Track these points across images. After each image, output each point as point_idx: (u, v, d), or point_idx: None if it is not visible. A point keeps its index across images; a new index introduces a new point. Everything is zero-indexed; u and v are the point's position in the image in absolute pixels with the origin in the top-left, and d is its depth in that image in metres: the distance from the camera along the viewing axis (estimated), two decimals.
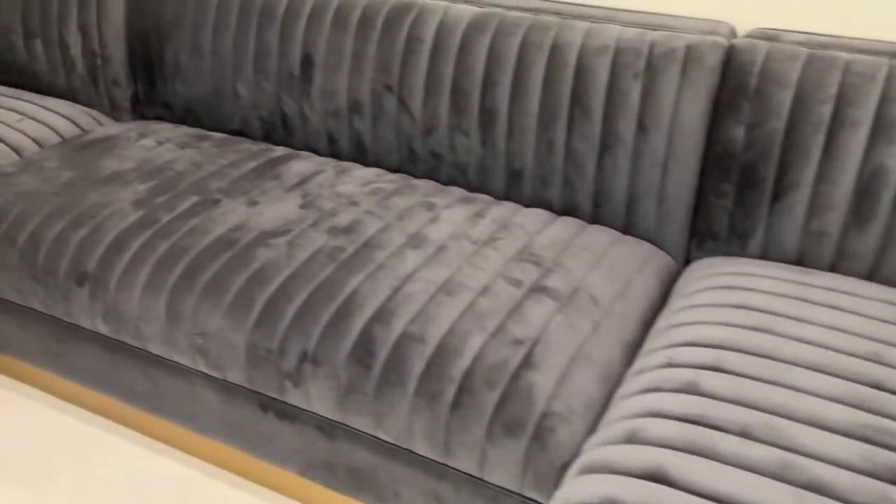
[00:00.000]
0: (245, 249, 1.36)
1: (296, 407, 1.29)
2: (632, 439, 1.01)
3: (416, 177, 1.65)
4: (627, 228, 1.49)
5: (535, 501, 1.12)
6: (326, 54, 1.64)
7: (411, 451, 1.21)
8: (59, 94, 2.03)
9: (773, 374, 1.09)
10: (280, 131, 1.76)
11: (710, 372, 1.10)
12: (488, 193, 1.59)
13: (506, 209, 1.50)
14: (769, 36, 1.38)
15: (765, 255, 1.41)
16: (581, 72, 1.43)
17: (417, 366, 1.16)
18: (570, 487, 0.99)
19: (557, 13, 1.50)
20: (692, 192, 1.43)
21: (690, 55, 1.37)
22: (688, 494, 0.92)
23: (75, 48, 1.94)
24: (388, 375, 1.17)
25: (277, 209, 1.47)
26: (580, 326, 1.22)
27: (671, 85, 1.38)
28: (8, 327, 1.58)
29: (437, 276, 1.29)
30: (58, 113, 1.92)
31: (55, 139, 1.85)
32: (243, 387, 1.32)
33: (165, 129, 1.81)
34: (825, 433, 0.99)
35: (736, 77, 1.36)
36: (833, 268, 1.36)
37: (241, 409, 1.36)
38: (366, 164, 1.70)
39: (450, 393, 1.13)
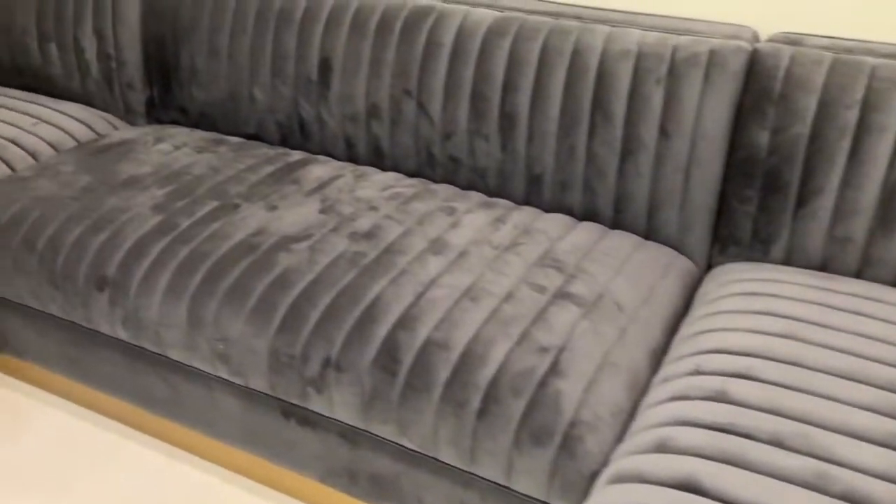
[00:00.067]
0: (266, 254, 1.35)
1: (318, 414, 1.28)
2: (662, 448, 1.00)
3: (435, 181, 1.64)
4: (649, 234, 1.49)
5: None
6: (344, 58, 1.64)
7: (436, 459, 1.20)
8: (73, 97, 2.02)
9: (803, 381, 1.08)
10: (297, 135, 1.76)
11: (738, 380, 1.09)
12: (507, 198, 1.58)
13: (526, 214, 1.49)
14: (792, 40, 1.37)
15: (788, 261, 1.40)
16: (603, 76, 1.42)
17: (443, 373, 1.15)
18: (600, 497, 0.98)
19: (578, 17, 1.49)
20: (715, 197, 1.42)
21: (714, 60, 1.36)
22: None
23: (90, 52, 1.94)
24: (414, 382, 1.16)
25: (297, 214, 1.47)
26: (606, 333, 1.21)
27: (694, 90, 1.37)
28: (26, 333, 1.57)
29: (460, 282, 1.29)
30: (73, 117, 1.92)
31: (70, 143, 1.85)
32: (265, 393, 1.31)
33: (181, 134, 1.81)
34: (859, 442, 0.98)
35: (760, 82, 1.35)
36: (858, 274, 1.35)
37: (261, 415, 1.35)
38: (383, 168, 1.69)
39: (476, 400, 1.12)
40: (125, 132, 1.83)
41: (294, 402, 1.28)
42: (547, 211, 1.55)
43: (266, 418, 1.35)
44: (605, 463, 1.07)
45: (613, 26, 1.46)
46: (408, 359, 1.18)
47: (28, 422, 1.65)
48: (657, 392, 1.14)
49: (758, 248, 1.42)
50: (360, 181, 1.59)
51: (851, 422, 1.01)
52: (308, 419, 1.30)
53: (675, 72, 1.38)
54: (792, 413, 1.02)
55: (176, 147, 1.72)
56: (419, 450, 1.20)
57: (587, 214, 1.52)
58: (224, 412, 1.39)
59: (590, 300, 1.26)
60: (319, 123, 1.71)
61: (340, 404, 1.23)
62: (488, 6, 1.56)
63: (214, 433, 1.44)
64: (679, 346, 1.23)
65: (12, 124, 1.84)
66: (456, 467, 1.19)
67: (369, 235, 1.40)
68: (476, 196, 1.57)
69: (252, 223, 1.44)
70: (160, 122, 1.95)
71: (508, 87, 1.50)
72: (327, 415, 1.26)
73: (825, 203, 1.33)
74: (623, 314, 1.26)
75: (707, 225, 1.45)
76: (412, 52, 1.57)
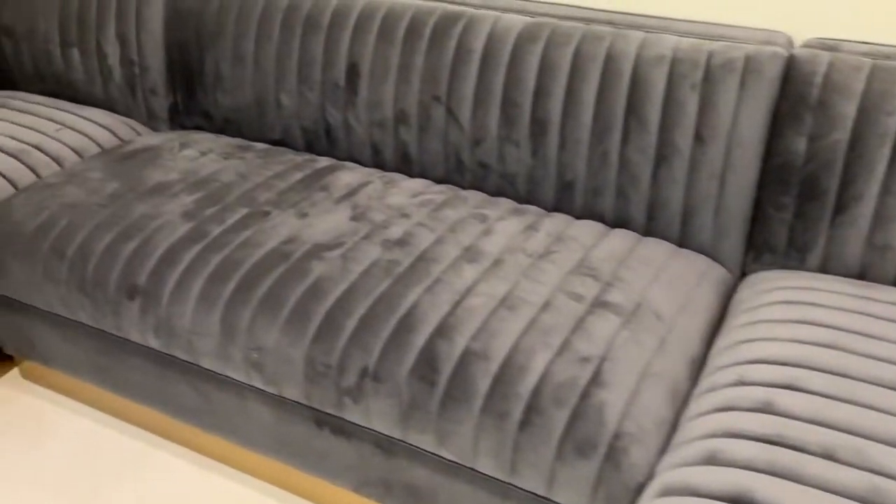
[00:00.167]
0: (299, 262, 1.34)
1: (353, 423, 1.27)
2: (711, 461, 0.99)
3: (463, 188, 1.63)
4: (682, 241, 1.47)
5: None
6: (372, 64, 1.63)
7: (474, 470, 1.19)
8: (95, 103, 2.02)
9: (850, 392, 1.07)
10: (322, 141, 1.75)
11: (784, 390, 1.07)
12: (537, 205, 1.57)
13: (558, 221, 1.48)
14: (829, 46, 1.36)
15: (825, 269, 1.39)
16: (637, 82, 1.41)
17: (483, 383, 1.14)
18: None
19: (610, 23, 1.48)
20: (750, 204, 1.41)
21: (750, 66, 1.35)
22: None
23: (113, 57, 1.93)
24: (453, 393, 1.15)
25: (328, 221, 1.46)
26: (646, 343, 1.20)
27: (730, 96, 1.36)
28: (53, 340, 1.56)
29: (497, 291, 1.28)
30: (96, 122, 1.91)
31: (94, 149, 1.84)
32: (299, 402, 1.30)
33: (207, 140, 1.80)
34: None
35: (797, 88, 1.33)
36: None
37: (294, 424, 1.34)
38: (411, 174, 1.68)
39: (518, 411, 1.11)
40: (149, 138, 1.83)
41: (329, 411, 1.27)
42: (578, 218, 1.53)
43: (299, 427, 1.33)
44: (650, 475, 1.05)
45: (647, 32, 1.44)
46: (447, 369, 1.17)
47: (54, 429, 1.64)
48: (700, 403, 1.12)
49: (794, 256, 1.40)
50: (390, 188, 1.58)
51: None
52: (342, 429, 1.29)
53: (710, 77, 1.37)
54: (841, 425, 1.01)
55: (202, 153, 1.71)
56: (457, 460, 1.19)
57: (619, 221, 1.50)
58: (256, 421, 1.38)
59: (628, 309, 1.25)
60: (346, 129, 1.70)
61: (377, 414, 1.21)
62: (519, 11, 1.55)
63: (245, 442, 1.43)
64: (719, 356, 1.22)
65: (36, 130, 1.83)
66: (495, 478, 1.17)
67: (402, 243, 1.39)
68: (506, 202, 1.56)
69: (283, 231, 1.43)
70: (183, 127, 1.94)
71: (540, 92, 1.48)
72: (363, 424, 1.25)
73: (864, 210, 1.32)
74: (662, 323, 1.25)
75: (741, 232, 1.43)
76: (442, 58, 1.56)
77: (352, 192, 1.56)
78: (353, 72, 1.65)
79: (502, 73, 1.51)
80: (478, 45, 1.54)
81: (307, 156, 1.73)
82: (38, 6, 1.98)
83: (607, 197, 1.49)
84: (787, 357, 1.14)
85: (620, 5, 1.57)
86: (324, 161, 1.70)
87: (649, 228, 1.49)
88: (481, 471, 1.18)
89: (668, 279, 1.35)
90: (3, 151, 1.72)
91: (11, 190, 1.66)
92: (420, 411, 1.17)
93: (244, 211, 1.48)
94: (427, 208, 1.51)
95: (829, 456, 0.97)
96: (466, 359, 1.17)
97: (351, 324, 1.24)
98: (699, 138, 1.39)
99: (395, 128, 1.65)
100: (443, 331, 1.21)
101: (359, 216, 1.48)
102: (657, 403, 1.12)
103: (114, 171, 1.64)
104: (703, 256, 1.45)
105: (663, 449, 1.09)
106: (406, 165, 1.68)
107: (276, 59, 1.72)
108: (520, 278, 1.31)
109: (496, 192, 1.60)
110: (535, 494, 1.15)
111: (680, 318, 1.28)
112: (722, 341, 1.27)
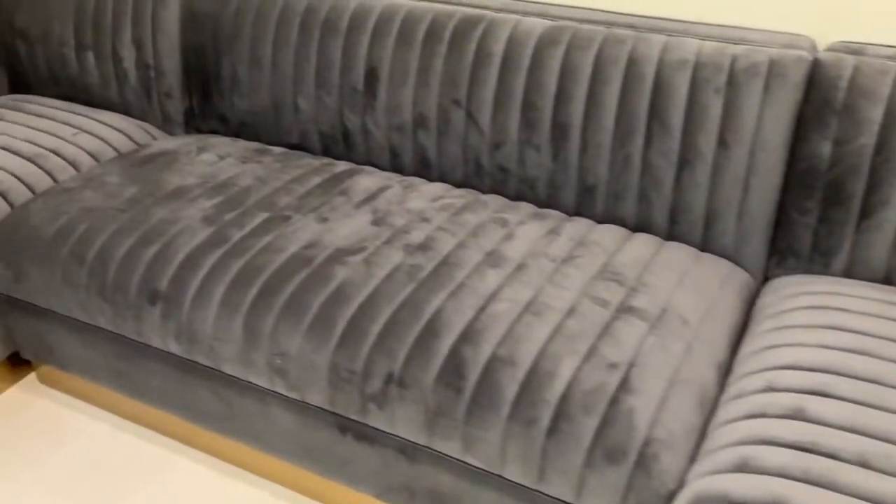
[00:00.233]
0: (322, 267, 1.34)
1: (377, 429, 1.26)
2: (744, 468, 0.98)
3: (482, 192, 1.63)
4: (704, 245, 1.47)
5: None
6: (391, 68, 1.62)
7: (500, 476, 1.18)
8: (110, 107, 2.01)
9: (881, 399, 1.06)
10: (340, 145, 1.74)
11: (815, 397, 1.07)
12: (558, 209, 1.56)
13: (580, 225, 1.48)
14: (853, 50, 1.35)
15: (849, 274, 1.38)
16: (660, 86, 1.41)
17: (510, 389, 1.13)
18: None
19: (631, 26, 1.48)
20: (773, 208, 1.40)
21: (774, 70, 1.34)
22: None
23: (129, 61, 1.92)
24: (480, 399, 1.14)
25: (349, 226, 1.45)
26: (673, 348, 1.19)
27: (754, 100, 1.35)
28: (72, 345, 1.56)
29: (521, 296, 1.27)
30: (111, 126, 1.91)
31: (110, 153, 1.83)
32: (322, 408, 1.30)
33: (223, 144, 1.79)
34: None
35: (822, 92, 1.33)
36: None
37: (317, 430, 1.33)
38: (429, 178, 1.67)
39: (546, 418, 1.10)
40: (165, 142, 1.82)
41: (352, 417, 1.26)
42: (599, 222, 1.53)
43: (322, 433, 1.33)
44: (681, 482, 1.04)
45: (668, 35, 1.44)
46: (473, 375, 1.16)
47: (71, 433, 1.63)
48: (728, 409, 1.12)
49: (818, 261, 1.40)
50: (409, 192, 1.57)
51: None
52: (366, 434, 1.28)
53: (734, 81, 1.36)
54: (875, 432, 1.00)
55: (220, 157, 1.71)
56: (484, 467, 1.18)
57: (641, 225, 1.50)
58: (278, 427, 1.37)
59: (654, 314, 1.24)
60: (364, 133, 1.70)
61: (402, 420, 1.21)
62: (539, 15, 1.55)
63: (266, 448, 1.42)
64: (745, 362, 1.21)
65: (52, 134, 1.82)
66: (522, 485, 1.17)
67: (424, 248, 1.38)
68: (526, 207, 1.55)
69: (304, 235, 1.42)
70: (199, 131, 1.94)
71: (561, 96, 1.48)
72: (387, 430, 1.25)
73: (891, 215, 1.31)
74: (688, 328, 1.24)
75: (764, 237, 1.43)
76: (461, 62, 1.56)
77: (371, 197, 1.55)
78: (371, 75, 1.64)
79: (523, 76, 1.51)
80: (498, 48, 1.53)
81: (325, 160, 1.72)
82: (53, 9, 1.98)
83: (629, 201, 1.48)
84: (816, 363, 1.13)
85: (639, 9, 1.56)
86: (342, 165, 1.70)
87: (671, 232, 1.48)
88: (508, 477, 1.17)
89: (693, 284, 1.34)
90: (20, 155, 1.71)
91: (29, 194, 1.65)
92: (446, 418, 1.16)
93: (264, 215, 1.48)
94: (447, 213, 1.50)
95: (863, 463, 0.96)
96: (493, 365, 1.16)
97: (375, 329, 1.23)
98: (723, 142, 1.38)
99: (414, 132, 1.64)
100: (468, 337, 1.20)
101: (379, 221, 1.47)
102: (686, 410, 1.11)
103: (131, 176, 1.64)
104: (725, 261, 1.44)
105: (693, 456, 1.08)
106: (425, 169, 1.67)
107: (293, 62, 1.71)
108: (544, 283, 1.30)
109: (516, 197, 1.60)
110: (564, 501, 1.14)
111: (705, 323, 1.27)
112: (747, 347, 1.26)
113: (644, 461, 1.05)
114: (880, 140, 1.29)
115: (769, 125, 1.35)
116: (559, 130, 1.49)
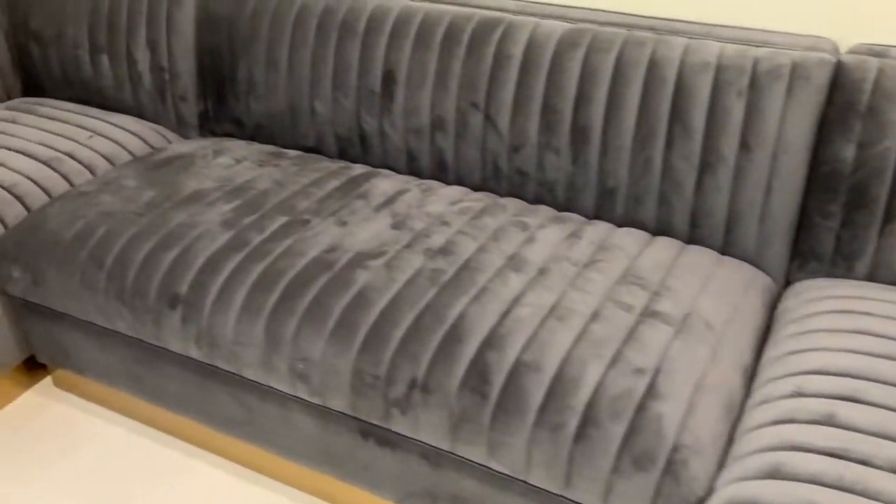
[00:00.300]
0: (343, 272, 1.33)
1: (399, 435, 1.26)
2: (776, 474, 0.97)
3: (500, 195, 1.62)
4: (725, 249, 1.46)
5: None
6: (409, 70, 1.61)
7: (525, 482, 1.17)
8: (124, 109, 2.01)
9: None
10: (356, 148, 1.74)
11: (845, 402, 1.06)
12: (577, 212, 1.56)
13: (601, 229, 1.47)
14: (877, 52, 1.34)
15: (872, 278, 1.37)
16: (681, 89, 1.40)
17: (536, 395, 1.13)
18: None
19: (652, 28, 1.47)
20: (795, 211, 1.39)
21: (797, 72, 1.34)
22: None
23: (143, 63, 1.92)
24: (506, 405, 1.13)
25: (369, 230, 1.44)
26: (699, 353, 1.18)
27: (776, 103, 1.35)
28: (89, 349, 1.55)
29: (544, 300, 1.26)
30: (126, 129, 1.90)
31: (125, 156, 1.83)
32: (343, 413, 1.29)
33: (239, 147, 1.79)
34: None
35: (845, 95, 1.32)
36: None
37: (338, 435, 1.32)
38: (447, 181, 1.67)
39: (573, 424, 1.10)
40: (181, 145, 1.82)
41: (375, 422, 1.26)
42: (619, 225, 1.52)
43: (343, 438, 1.32)
44: (710, 489, 1.04)
45: (689, 38, 1.43)
46: (498, 380, 1.15)
47: (87, 437, 1.63)
48: (756, 415, 1.11)
49: (840, 265, 1.39)
50: (428, 195, 1.57)
51: None
52: (388, 439, 1.28)
53: (756, 84, 1.35)
54: None
55: (237, 161, 1.70)
56: (508, 472, 1.17)
57: (661, 229, 1.49)
58: (299, 432, 1.36)
59: (678, 319, 1.24)
60: (381, 136, 1.69)
61: (426, 425, 1.20)
62: (558, 17, 1.54)
63: (286, 452, 1.42)
64: (771, 367, 1.20)
65: (67, 137, 1.82)
66: (547, 491, 1.16)
67: (445, 252, 1.38)
68: (546, 210, 1.55)
69: (324, 239, 1.41)
70: (213, 134, 1.93)
71: (581, 99, 1.47)
72: (410, 436, 1.24)
73: None
74: (713, 333, 1.23)
75: (786, 240, 1.42)
76: (480, 65, 1.55)
77: (390, 200, 1.55)
78: (389, 78, 1.64)
79: (542, 79, 1.50)
80: (517, 51, 1.52)
81: (342, 163, 1.72)
82: (67, 11, 1.97)
83: (649, 204, 1.48)
84: (844, 368, 1.12)
85: (659, 11, 1.56)
86: (359, 168, 1.69)
87: (692, 236, 1.47)
88: (533, 483, 1.16)
89: (716, 288, 1.33)
90: (35, 159, 1.71)
91: (45, 198, 1.65)
92: (471, 423, 1.16)
93: (283, 219, 1.47)
94: (467, 216, 1.49)
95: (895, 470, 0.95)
96: (518, 370, 1.15)
97: (398, 334, 1.23)
98: (745, 145, 1.37)
99: (432, 135, 1.63)
100: (492, 342, 1.19)
101: (399, 224, 1.46)
102: (713, 415, 1.11)
103: (148, 179, 1.63)
104: (746, 264, 1.44)
105: (721, 462, 1.08)
106: (442, 173, 1.67)
107: (310, 65, 1.70)
108: (567, 288, 1.29)
109: (534, 200, 1.59)
110: None
111: (730, 327, 1.26)
112: (772, 351, 1.25)
113: (673, 467, 1.04)
114: None
115: (792, 128, 1.35)
116: (579, 133, 1.49)
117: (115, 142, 1.85)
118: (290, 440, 1.39)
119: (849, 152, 1.33)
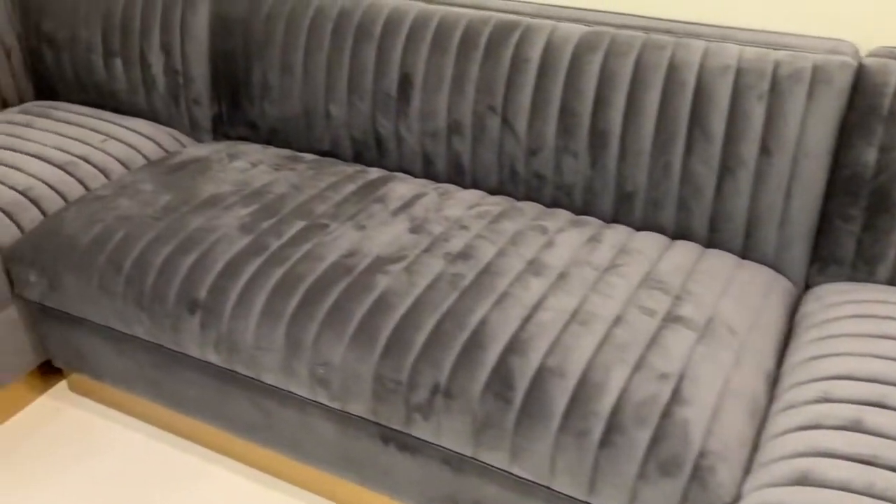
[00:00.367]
0: (363, 276, 1.33)
1: (421, 440, 1.25)
2: (804, 481, 0.97)
3: (517, 198, 1.62)
4: (745, 252, 1.45)
5: None
6: (426, 74, 1.61)
7: (548, 488, 1.17)
8: (137, 113, 2.00)
9: None
10: (372, 152, 1.73)
11: (873, 408, 1.05)
12: (594, 216, 1.55)
13: (620, 233, 1.46)
14: None
15: (894, 282, 1.37)
16: (701, 92, 1.39)
17: (560, 401, 1.12)
18: None
19: (670, 32, 1.46)
20: (816, 215, 1.39)
21: (818, 76, 1.33)
22: None
23: (157, 66, 1.92)
24: (530, 410, 1.13)
25: (387, 234, 1.44)
26: (722, 358, 1.18)
27: (797, 106, 1.34)
28: (106, 354, 1.55)
29: (566, 305, 1.26)
30: (139, 133, 1.90)
31: (140, 160, 1.83)
32: (364, 418, 1.29)
33: (254, 151, 1.78)
34: None
35: (867, 98, 1.31)
36: None
37: (358, 440, 1.32)
38: (463, 185, 1.66)
39: (598, 430, 1.09)
40: (196, 149, 1.81)
41: (396, 427, 1.25)
42: (637, 229, 1.52)
43: (363, 443, 1.32)
44: (737, 495, 1.03)
45: (708, 41, 1.42)
46: (522, 385, 1.15)
47: (104, 442, 1.63)
48: (781, 420, 1.10)
49: (862, 268, 1.38)
50: (445, 199, 1.56)
51: None
52: (408, 445, 1.27)
53: (777, 88, 1.35)
54: None
55: (252, 164, 1.70)
56: (531, 478, 1.17)
57: (680, 233, 1.49)
58: (318, 436, 1.36)
59: (701, 323, 1.23)
60: (397, 140, 1.69)
61: (448, 431, 1.20)
62: (575, 21, 1.54)
63: (305, 457, 1.41)
64: (794, 372, 1.20)
65: (82, 141, 1.82)
66: (571, 497, 1.15)
67: (464, 256, 1.37)
68: (563, 214, 1.54)
69: (343, 244, 1.41)
70: (227, 137, 1.93)
71: (600, 103, 1.47)
72: (432, 441, 1.23)
73: None
74: (735, 338, 1.23)
75: (806, 244, 1.41)
76: (497, 68, 1.55)
77: (408, 204, 1.54)
78: (405, 82, 1.63)
79: (560, 82, 1.50)
80: (534, 54, 1.52)
81: (357, 167, 1.71)
82: (80, 15, 1.97)
83: (668, 208, 1.47)
84: (870, 373, 1.11)
85: (677, 13, 1.55)
86: (375, 172, 1.69)
87: (711, 240, 1.47)
88: (556, 489, 1.16)
89: (737, 292, 1.33)
90: (51, 163, 1.71)
91: (61, 202, 1.65)
92: (494, 428, 1.15)
93: (302, 223, 1.47)
94: (485, 220, 1.49)
95: None
96: (542, 375, 1.15)
97: (420, 339, 1.22)
98: (765, 150, 1.37)
99: (448, 138, 1.63)
100: (515, 347, 1.19)
101: (417, 228, 1.46)
102: (738, 421, 1.10)
103: (164, 183, 1.63)
104: (767, 268, 1.43)
105: (747, 468, 1.07)
106: (458, 176, 1.66)
107: (326, 68, 1.70)
108: (588, 292, 1.29)
109: (551, 203, 1.59)
110: None
111: (752, 332, 1.26)
112: (794, 356, 1.25)
113: (700, 473, 1.04)
114: None
115: (813, 132, 1.34)
116: (598, 137, 1.48)
117: (130, 145, 1.85)
118: (310, 445, 1.38)
119: (870, 156, 1.32)
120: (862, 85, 1.32)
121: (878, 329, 1.22)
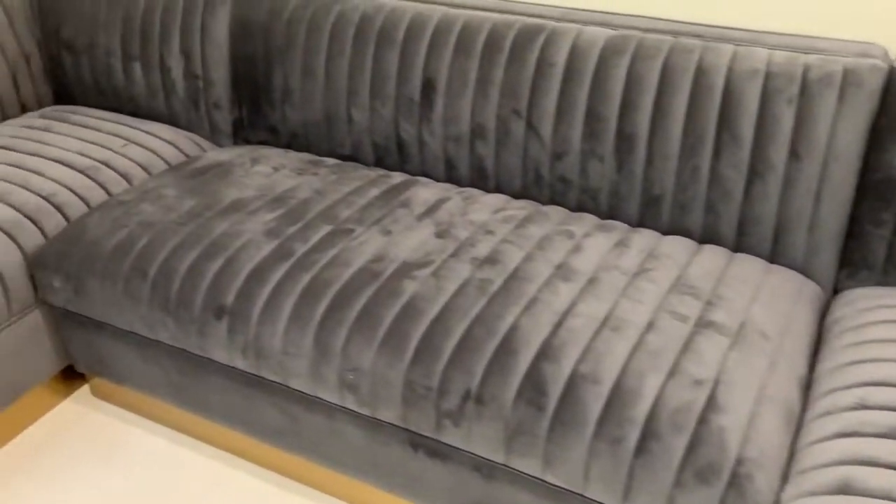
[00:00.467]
0: (390, 281, 1.32)
1: (451, 446, 1.24)
2: (847, 490, 0.96)
3: (542, 203, 1.61)
4: (773, 257, 1.44)
5: None
6: (449, 78, 1.60)
7: (582, 495, 1.16)
8: (157, 117, 2.00)
9: None
10: (394, 156, 1.73)
11: None
12: (620, 220, 1.54)
13: (647, 237, 1.45)
14: None
15: None
16: (729, 96, 1.38)
17: (594, 407, 1.11)
18: None
19: (698, 35, 1.45)
20: (845, 220, 1.38)
21: (848, 79, 1.32)
22: None
23: (176, 71, 1.91)
24: (563, 417, 1.12)
25: (413, 238, 1.43)
26: (757, 364, 1.17)
27: (827, 110, 1.33)
28: (130, 359, 1.54)
29: (597, 311, 1.25)
30: (160, 137, 1.90)
31: (160, 165, 1.82)
32: (393, 424, 1.28)
33: (276, 155, 1.78)
34: None
35: None
36: None
37: (387, 446, 1.31)
38: (486, 189, 1.66)
39: (633, 437, 1.08)
40: (217, 154, 1.81)
41: (426, 434, 1.25)
42: (664, 234, 1.51)
43: (391, 449, 1.31)
44: (776, 503, 1.02)
45: (737, 45, 1.42)
46: (555, 392, 1.14)
47: (126, 447, 1.62)
48: (817, 427, 1.09)
49: (893, 273, 1.37)
50: (470, 203, 1.56)
51: None
52: (438, 451, 1.27)
53: (807, 91, 1.34)
54: None
55: (275, 169, 1.69)
56: (564, 486, 1.16)
57: (708, 237, 1.48)
58: (346, 443, 1.35)
59: (733, 329, 1.22)
60: (420, 144, 1.68)
61: (479, 437, 1.19)
62: (601, 24, 1.53)
63: (332, 463, 1.40)
64: (828, 378, 1.19)
65: (102, 146, 1.82)
66: None
67: (492, 261, 1.37)
68: (589, 218, 1.53)
69: (369, 249, 1.40)
70: (247, 142, 1.93)
71: (626, 106, 1.46)
72: (462, 448, 1.23)
73: None
74: (769, 343, 1.22)
75: (835, 248, 1.40)
76: (522, 72, 1.54)
77: (432, 209, 1.54)
78: (428, 86, 1.63)
79: (586, 86, 1.49)
80: (560, 58, 1.51)
81: (380, 171, 1.71)
82: (99, 20, 1.97)
83: (696, 212, 1.46)
84: None
85: (705, 17, 1.55)
86: (398, 176, 1.68)
87: (739, 244, 1.46)
88: (590, 496, 1.15)
89: (767, 297, 1.32)
90: (72, 168, 1.71)
91: (84, 207, 1.64)
92: (526, 435, 1.15)
93: (327, 228, 1.46)
94: (510, 224, 1.48)
95: None
96: (575, 382, 1.14)
97: (450, 345, 1.22)
98: (794, 154, 1.36)
99: (472, 142, 1.62)
100: (547, 353, 1.18)
101: (443, 233, 1.45)
102: (774, 428, 1.09)
103: (187, 188, 1.62)
104: (796, 273, 1.42)
105: (784, 476, 1.06)
106: (481, 180, 1.66)
107: (348, 73, 1.70)
108: (618, 297, 1.28)
109: (577, 208, 1.58)
110: None
111: (785, 337, 1.25)
112: (827, 362, 1.24)
113: (737, 481, 1.03)
114: None
115: (843, 136, 1.33)
116: (624, 141, 1.47)
117: (150, 150, 1.84)
118: (337, 451, 1.38)
119: None
120: (893, 88, 1.32)
121: None
